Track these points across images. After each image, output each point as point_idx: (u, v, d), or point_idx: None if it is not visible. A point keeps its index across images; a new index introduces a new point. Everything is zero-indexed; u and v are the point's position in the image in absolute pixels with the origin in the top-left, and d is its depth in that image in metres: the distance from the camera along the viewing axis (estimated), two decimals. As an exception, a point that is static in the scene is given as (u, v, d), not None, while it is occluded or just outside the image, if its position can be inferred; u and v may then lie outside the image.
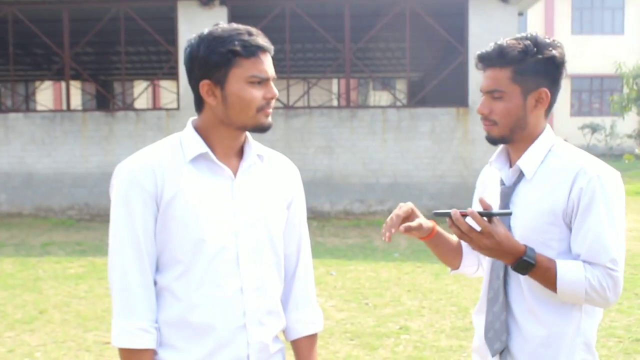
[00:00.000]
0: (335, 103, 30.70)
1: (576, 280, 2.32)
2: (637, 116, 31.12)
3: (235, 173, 2.32)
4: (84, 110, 16.37)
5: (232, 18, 15.26)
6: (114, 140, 15.11)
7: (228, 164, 2.31)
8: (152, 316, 2.24)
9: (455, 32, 15.70)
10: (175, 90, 16.96)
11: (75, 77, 22.21)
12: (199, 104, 2.31)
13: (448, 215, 2.30)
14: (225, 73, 2.22)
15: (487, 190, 2.64)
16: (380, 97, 34.50)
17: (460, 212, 2.28)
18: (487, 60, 2.47)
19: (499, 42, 2.47)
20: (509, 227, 2.45)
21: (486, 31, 14.55)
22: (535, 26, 32.53)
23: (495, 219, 2.31)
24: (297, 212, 2.50)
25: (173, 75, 17.70)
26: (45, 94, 31.23)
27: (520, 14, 16.48)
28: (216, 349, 2.25)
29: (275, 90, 2.29)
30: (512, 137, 2.48)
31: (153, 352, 2.24)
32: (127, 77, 25.64)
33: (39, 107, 27.90)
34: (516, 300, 2.48)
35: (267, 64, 2.26)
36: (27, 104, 28.69)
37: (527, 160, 2.47)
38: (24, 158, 15.30)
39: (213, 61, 2.22)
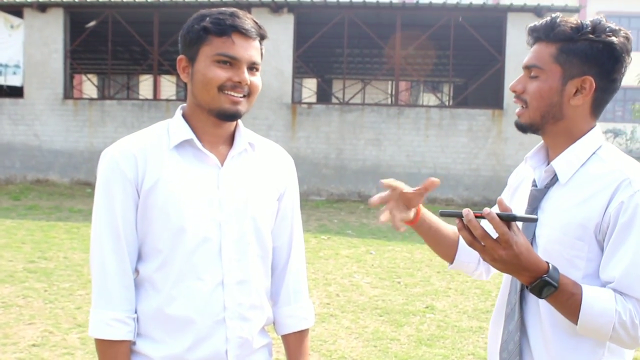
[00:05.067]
0: (388, 102, 30.02)
1: (604, 313, 1.60)
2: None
3: (222, 162, 1.86)
4: (167, 100, 16.14)
5: (298, 24, 14.87)
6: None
7: (215, 152, 1.86)
8: (130, 307, 1.80)
9: (494, 42, 15.17)
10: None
11: (165, 72, 22.10)
12: (187, 87, 1.90)
13: (458, 215, 1.58)
14: (197, 50, 1.80)
15: (518, 190, 1.95)
16: (429, 99, 33.69)
17: (474, 213, 1.55)
18: (535, 32, 1.80)
19: (553, 16, 1.79)
20: (533, 236, 1.77)
21: (522, 42, 13.99)
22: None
23: (515, 226, 1.57)
24: (289, 204, 2.02)
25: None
26: (146, 84, 31.29)
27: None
28: (195, 343, 1.80)
29: (247, 77, 1.78)
30: (543, 126, 1.79)
31: (130, 343, 1.81)
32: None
33: (140, 97, 27.95)
34: (532, 324, 1.77)
35: (242, 47, 1.78)
36: (127, 93, 28.83)
37: (563, 162, 1.77)
38: (116, 139, 15.11)
39: (189, 37, 1.81)
